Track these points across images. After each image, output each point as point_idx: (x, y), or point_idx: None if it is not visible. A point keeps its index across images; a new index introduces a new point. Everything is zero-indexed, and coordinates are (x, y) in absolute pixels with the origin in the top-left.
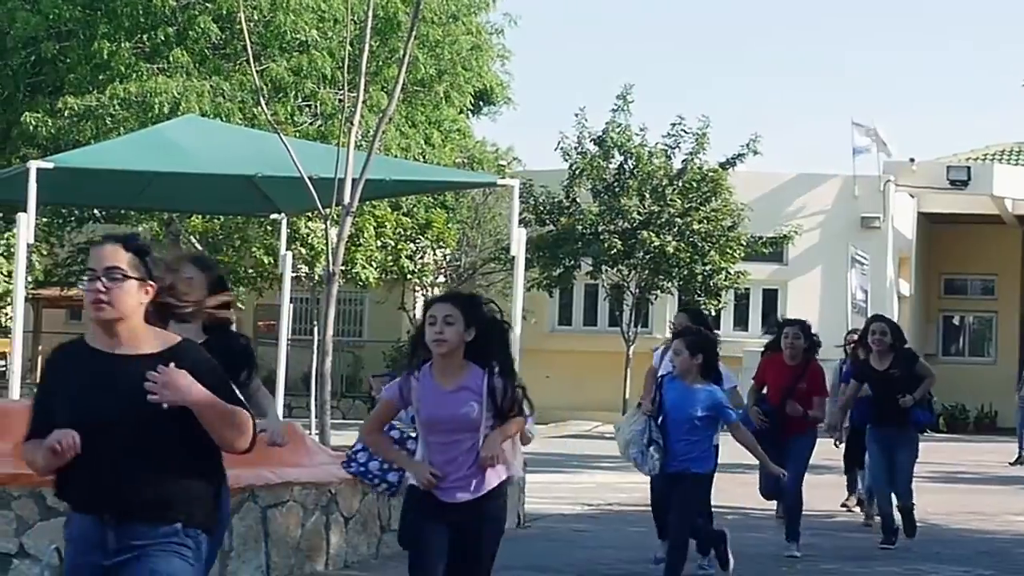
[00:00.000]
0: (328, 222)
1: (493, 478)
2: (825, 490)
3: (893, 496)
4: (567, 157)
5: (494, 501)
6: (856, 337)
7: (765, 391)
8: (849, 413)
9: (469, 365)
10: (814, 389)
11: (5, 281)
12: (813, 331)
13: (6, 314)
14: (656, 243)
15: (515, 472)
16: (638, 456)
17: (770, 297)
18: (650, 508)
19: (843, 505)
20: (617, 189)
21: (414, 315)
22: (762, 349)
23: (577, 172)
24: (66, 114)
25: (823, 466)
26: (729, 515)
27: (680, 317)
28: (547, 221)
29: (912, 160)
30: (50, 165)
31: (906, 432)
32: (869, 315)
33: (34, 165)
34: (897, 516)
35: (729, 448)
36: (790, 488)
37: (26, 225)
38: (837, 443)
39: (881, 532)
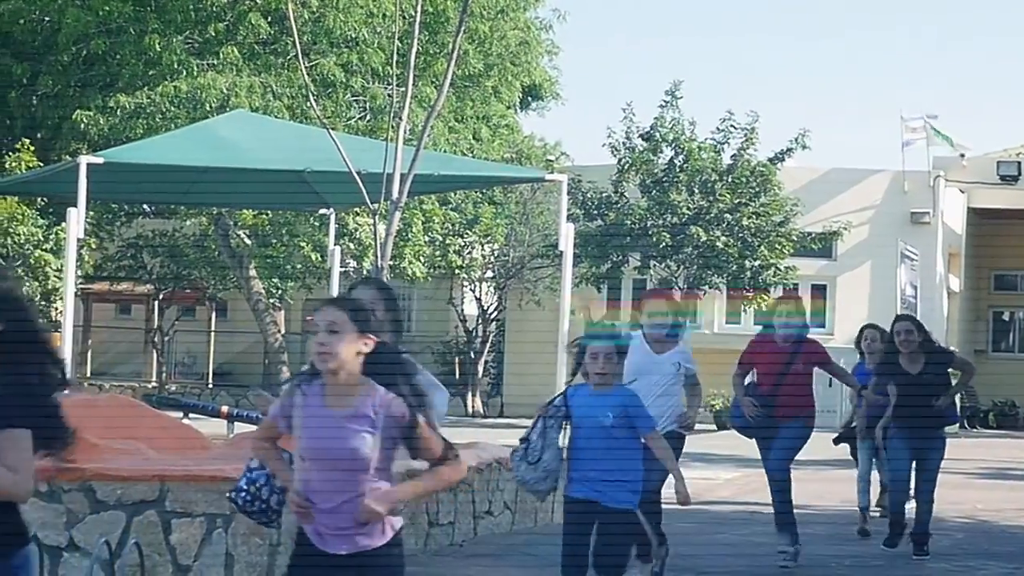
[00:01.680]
0: (376, 217)
1: (383, 534)
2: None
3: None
4: (615, 152)
5: (388, 554)
6: (874, 335)
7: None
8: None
9: (369, 386)
10: (821, 364)
11: (55, 276)
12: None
13: (56, 308)
14: (705, 238)
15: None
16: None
17: (819, 293)
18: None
19: (879, 505)
20: (666, 184)
21: (462, 310)
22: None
23: (625, 167)
24: (118, 112)
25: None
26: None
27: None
28: (595, 216)
29: (962, 155)
30: (100, 160)
31: (936, 435)
32: (918, 311)
33: (84, 160)
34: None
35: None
36: (774, 466)
37: (76, 220)
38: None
39: (888, 529)
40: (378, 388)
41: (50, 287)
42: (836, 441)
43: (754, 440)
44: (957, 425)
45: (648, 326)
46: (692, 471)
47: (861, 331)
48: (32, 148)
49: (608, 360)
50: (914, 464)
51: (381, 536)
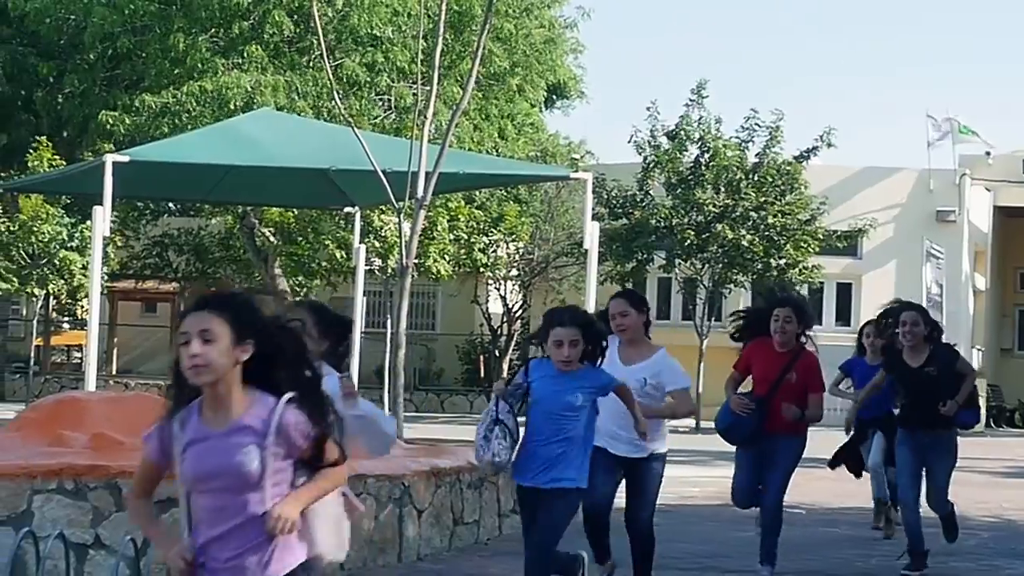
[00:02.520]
0: (401, 215)
1: (288, 558)
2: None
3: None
4: (640, 151)
5: None
6: (872, 331)
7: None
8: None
9: (254, 396)
10: (809, 384)
11: (81, 274)
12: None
13: (82, 307)
14: (731, 236)
15: (328, 551)
16: (481, 445)
17: (844, 291)
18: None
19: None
20: (692, 182)
21: (487, 309)
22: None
23: (650, 166)
24: (143, 112)
25: None
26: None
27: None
28: (620, 215)
29: (988, 154)
30: (126, 159)
31: (944, 437)
32: (944, 310)
33: (110, 159)
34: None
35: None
36: (769, 501)
37: (102, 218)
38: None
39: (907, 555)
40: (267, 398)
41: (75, 285)
42: (832, 465)
43: (735, 452)
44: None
45: (615, 328)
46: (715, 470)
47: (862, 328)
48: (51, 146)
49: (573, 347)
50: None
51: (281, 565)
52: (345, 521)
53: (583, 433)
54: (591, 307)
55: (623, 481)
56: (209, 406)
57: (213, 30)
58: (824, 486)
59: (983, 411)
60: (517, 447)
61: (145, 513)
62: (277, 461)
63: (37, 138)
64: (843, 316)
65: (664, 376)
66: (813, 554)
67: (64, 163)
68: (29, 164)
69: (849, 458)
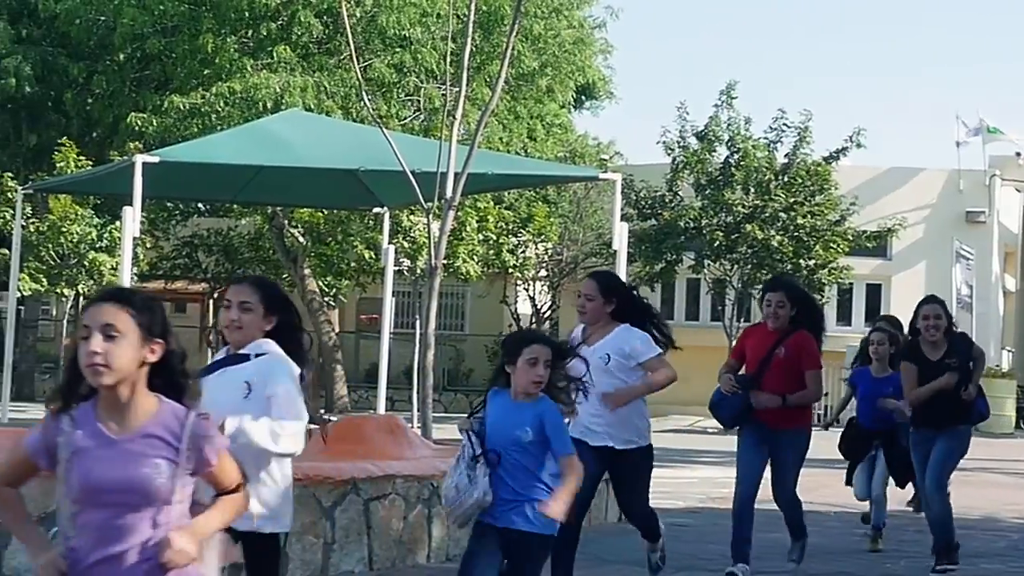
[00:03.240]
0: (430, 216)
1: None
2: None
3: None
4: (669, 151)
5: None
6: (877, 343)
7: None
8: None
9: (159, 402)
10: (802, 360)
11: (111, 274)
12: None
13: None
14: (760, 237)
15: None
16: (451, 493)
17: (873, 292)
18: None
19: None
20: (721, 183)
21: (515, 309)
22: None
23: (679, 167)
24: (172, 113)
25: None
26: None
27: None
28: (649, 215)
29: (1018, 154)
30: (156, 159)
31: (960, 430)
32: (974, 311)
33: (140, 159)
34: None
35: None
36: (783, 497)
37: (131, 218)
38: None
39: (934, 556)
40: (173, 405)
41: (105, 285)
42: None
43: (737, 440)
44: (1012, 426)
45: (577, 307)
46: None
47: (868, 335)
48: (77, 147)
49: (548, 368)
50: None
51: None
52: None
53: (537, 475)
54: None
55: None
56: (107, 409)
57: (242, 31)
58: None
59: (1013, 412)
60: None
61: (13, 505)
62: (184, 477)
63: (63, 140)
64: (872, 316)
65: (629, 348)
66: (842, 557)
67: (91, 164)
68: (56, 165)
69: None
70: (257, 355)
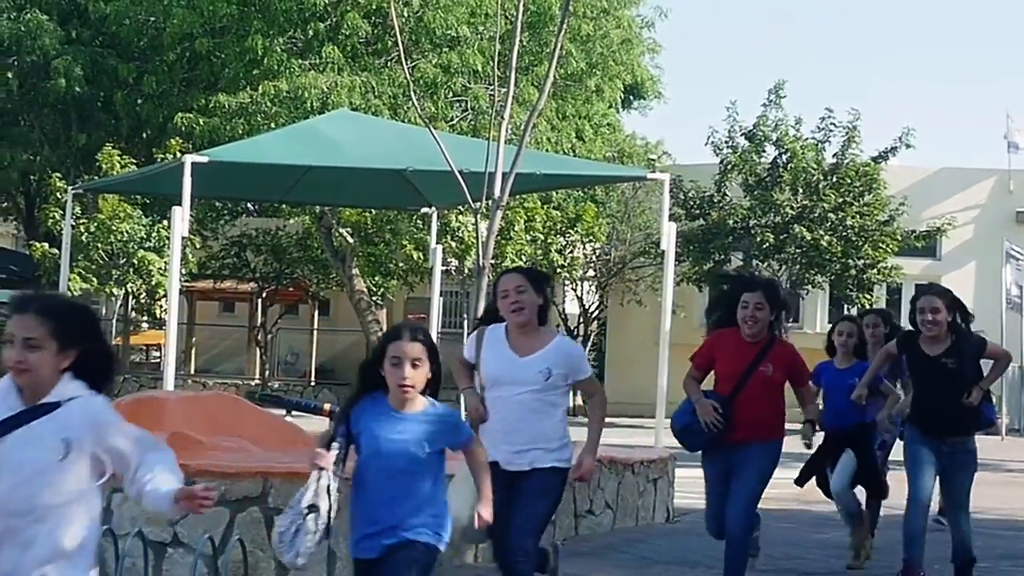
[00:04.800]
0: (478, 216)
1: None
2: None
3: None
4: (718, 151)
5: None
6: (847, 334)
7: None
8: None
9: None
10: (793, 378)
11: (160, 274)
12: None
13: (160, 306)
14: (809, 237)
15: None
16: (283, 541)
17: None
18: (799, 504)
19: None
20: (769, 183)
21: (563, 309)
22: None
23: (728, 167)
24: (219, 112)
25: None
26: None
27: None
28: (697, 215)
29: None
30: (204, 159)
31: (964, 444)
32: None
33: (189, 159)
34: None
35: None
36: (733, 522)
37: (181, 218)
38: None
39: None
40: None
41: (154, 284)
42: (799, 482)
43: (702, 461)
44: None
45: (510, 308)
46: (791, 471)
47: (834, 325)
48: (120, 148)
49: (417, 368)
50: (938, 478)
51: None
52: None
53: (432, 492)
54: (667, 307)
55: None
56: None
57: (290, 32)
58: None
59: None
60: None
61: None
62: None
63: (107, 145)
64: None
65: (569, 364)
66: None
67: (137, 165)
68: (101, 166)
69: (818, 473)
70: (69, 399)
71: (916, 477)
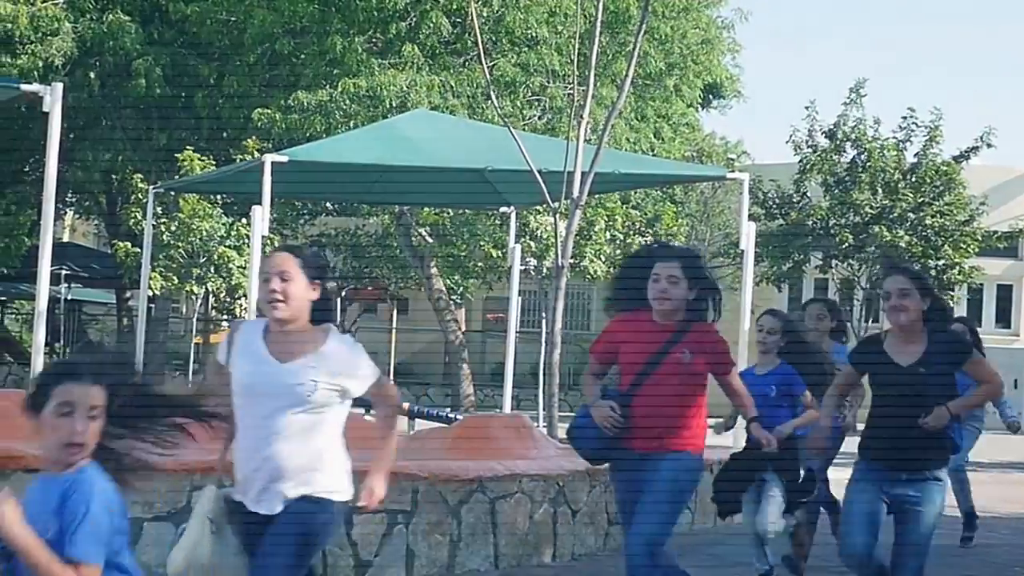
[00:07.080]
0: (557, 216)
1: None
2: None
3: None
4: (798, 151)
5: None
6: (767, 330)
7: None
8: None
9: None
10: (715, 364)
11: (240, 272)
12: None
13: (240, 305)
14: (888, 238)
15: None
16: None
17: (1005, 293)
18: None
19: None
20: (848, 183)
21: None
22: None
23: (808, 167)
24: (297, 109)
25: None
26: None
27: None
28: (777, 215)
29: None
30: (284, 159)
31: (928, 480)
32: None
33: (269, 159)
34: None
35: None
36: (630, 552)
37: (261, 218)
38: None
39: None
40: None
41: (234, 283)
42: (723, 513)
43: (609, 474)
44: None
45: (262, 302)
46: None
47: (756, 320)
48: (205, 147)
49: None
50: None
51: None
52: None
53: None
54: (746, 307)
55: None
56: None
57: (370, 31)
58: (983, 491)
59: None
60: None
61: None
62: None
63: (185, 149)
64: (1003, 318)
65: (345, 368)
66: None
67: (216, 165)
68: (180, 166)
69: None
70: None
71: (850, 529)
